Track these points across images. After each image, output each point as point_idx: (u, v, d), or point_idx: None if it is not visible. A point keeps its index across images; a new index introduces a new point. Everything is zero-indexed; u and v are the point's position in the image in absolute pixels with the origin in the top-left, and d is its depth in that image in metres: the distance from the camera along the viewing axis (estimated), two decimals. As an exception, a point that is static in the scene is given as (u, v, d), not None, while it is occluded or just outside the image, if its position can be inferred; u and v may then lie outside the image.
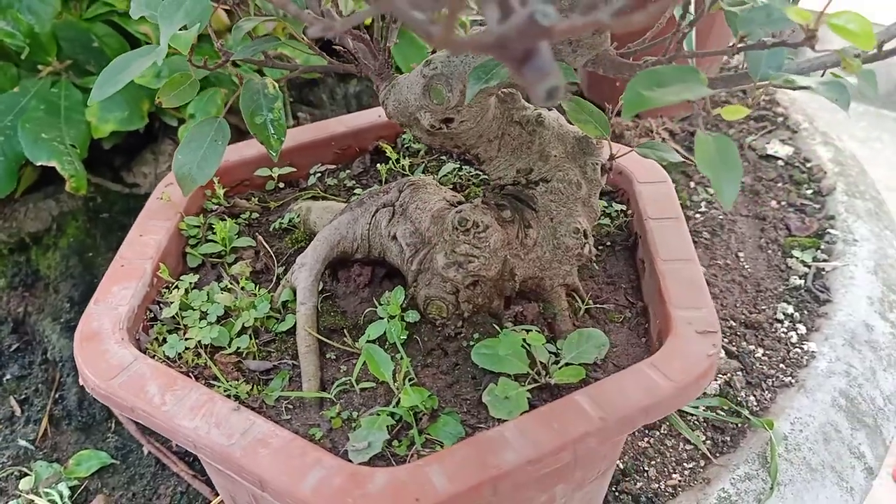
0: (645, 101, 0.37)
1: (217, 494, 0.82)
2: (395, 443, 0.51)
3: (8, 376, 0.95)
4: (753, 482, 0.80)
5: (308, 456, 0.47)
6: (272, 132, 0.52)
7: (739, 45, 0.42)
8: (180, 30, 0.49)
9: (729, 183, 0.36)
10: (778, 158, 1.23)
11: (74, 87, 0.89)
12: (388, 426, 0.51)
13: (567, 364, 0.54)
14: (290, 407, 0.55)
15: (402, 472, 0.46)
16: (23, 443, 0.90)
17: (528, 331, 0.55)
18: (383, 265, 0.63)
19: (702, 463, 0.83)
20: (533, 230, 0.57)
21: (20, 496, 0.85)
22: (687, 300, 0.57)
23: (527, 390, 0.53)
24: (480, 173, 0.75)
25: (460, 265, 0.55)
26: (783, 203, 1.15)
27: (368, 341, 0.56)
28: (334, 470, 0.46)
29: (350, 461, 0.49)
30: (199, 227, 0.68)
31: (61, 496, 0.84)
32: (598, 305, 0.62)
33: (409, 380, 0.53)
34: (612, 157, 0.58)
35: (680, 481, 0.81)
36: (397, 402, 0.53)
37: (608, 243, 0.68)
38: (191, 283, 0.62)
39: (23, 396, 0.94)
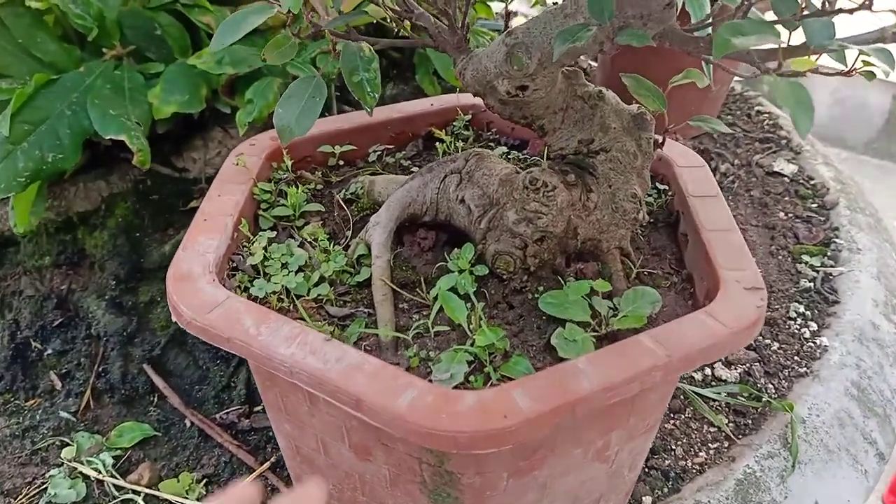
0: (730, 45, 0.43)
1: (261, 463, 0.85)
2: (472, 378, 0.55)
3: (49, 351, 0.98)
4: (776, 460, 0.84)
5: (400, 379, 0.51)
6: (368, 90, 0.57)
7: (803, 14, 0.48)
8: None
9: (804, 117, 0.41)
10: (784, 175, 1.30)
11: (136, 71, 0.93)
12: (466, 361, 0.55)
13: (625, 316, 0.59)
14: (369, 349, 0.58)
15: (488, 393, 0.50)
16: (64, 414, 0.92)
17: (589, 283, 0.60)
18: (446, 230, 0.68)
19: (725, 443, 0.87)
20: (594, 194, 0.62)
21: (62, 464, 0.87)
22: (733, 262, 0.62)
23: (591, 336, 0.57)
24: (527, 158, 0.80)
25: (530, 221, 0.60)
26: (790, 215, 1.21)
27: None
28: (426, 390, 0.50)
29: (433, 390, 0.53)
30: (270, 192, 0.72)
31: (104, 465, 0.86)
32: (646, 271, 0.67)
33: (482, 323, 0.58)
34: (666, 130, 0.64)
35: (706, 459, 0.85)
36: (472, 343, 0.57)
37: (652, 220, 0.73)
38: (269, 239, 0.66)
39: (64, 371, 0.96)
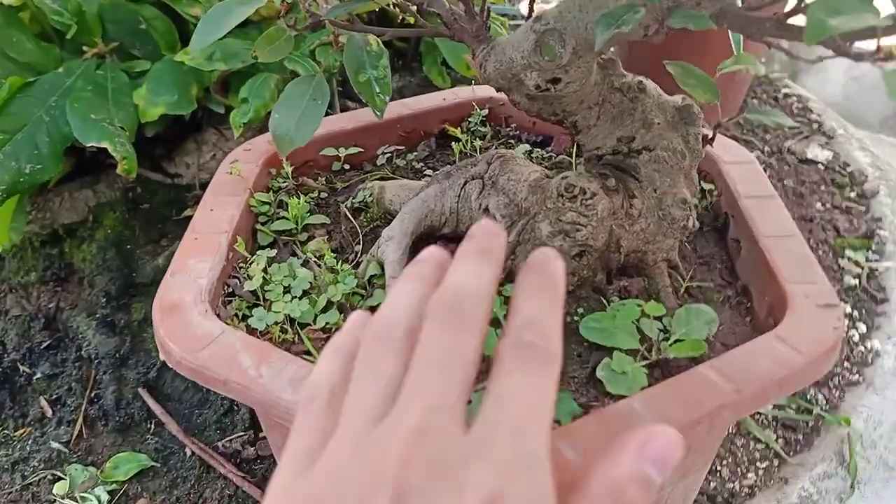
0: (826, 28, 0.35)
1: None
2: (506, 420, 0.48)
3: (38, 375, 0.91)
4: (833, 480, 0.77)
5: (425, 428, 0.43)
6: (377, 90, 0.49)
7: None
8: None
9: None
10: (818, 162, 1.22)
11: (119, 69, 0.86)
12: (500, 401, 0.47)
13: (679, 340, 0.51)
14: (386, 385, 0.51)
15: (529, 444, 0.43)
16: (55, 445, 0.85)
17: (638, 304, 0.52)
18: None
19: (775, 462, 0.80)
20: (637, 200, 0.54)
21: (55, 501, 0.80)
22: (800, 274, 0.54)
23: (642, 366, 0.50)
24: (552, 156, 0.73)
25: (567, 234, 0.52)
26: (828, 205, 1.13)
27: (465, 316, 0.53)
28: (456, 442, 0.42)
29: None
30: (268, 203, 0.65)
31: (99, 501, 0.79)
32: (695, 284, 0.59)
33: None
34: (718, 125, 0.56)
35: (756, 481, 0.78)
36: (505, 378, 0.49)
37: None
38: (269, 258, 0.58)
39: (54, 396, 0.90)
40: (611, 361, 0.49)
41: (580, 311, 0.54)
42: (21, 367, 0.91)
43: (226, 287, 0.57)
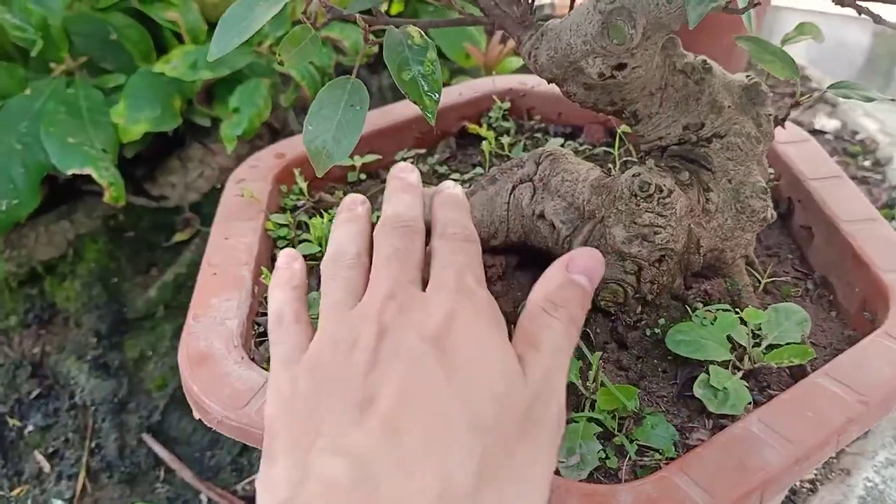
0: None
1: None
2: (601, 454, 0.42)
3: (31, 428, 0.82)
4: (898, 469, 0.73)
5: (525, 480, 0.37)
6: (426, 88, 0.42)
7: None
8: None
9: None
10: (826, 133, 1.18)
11: (92, 86, 0.77)
12: (594, 434, 0.42)
13: (773, 345, 0.46)
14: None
15: (647, 485, 0.37)
16: (58, 503, 0.77)
17: (727, 310, 0.47)
18: (516, 252, 0.54)
19: (833, 452, 0.75)
20: (713, 193, 0.49)
21: (63, 566, 0.72)
22: (894, 262, 0.49)
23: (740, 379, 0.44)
24: (589, 148, 0.67)
25: (645, 238, 0.46)
26: (843, 176, 1.09)
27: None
28: (563, 490, 0.37)
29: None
30: (286, 225, 0.58)
31: (113, 561, 0.72)
32: (770, 279, 0.54)
33: (600, 383, 0.44)
34: (796, 104, 0.51)
35: (816, 474, 0.73)
36: (591, 406, 0.43)
37: (755, 212, 0.60)
38: (299, 289, 0.51)
39: (51, 449, 0.81)
40: (708, 377, 0.44)
41: (661, 321, 0.48)
42: (10, 421, 0.82)
43: (255, 326, 0.50)
